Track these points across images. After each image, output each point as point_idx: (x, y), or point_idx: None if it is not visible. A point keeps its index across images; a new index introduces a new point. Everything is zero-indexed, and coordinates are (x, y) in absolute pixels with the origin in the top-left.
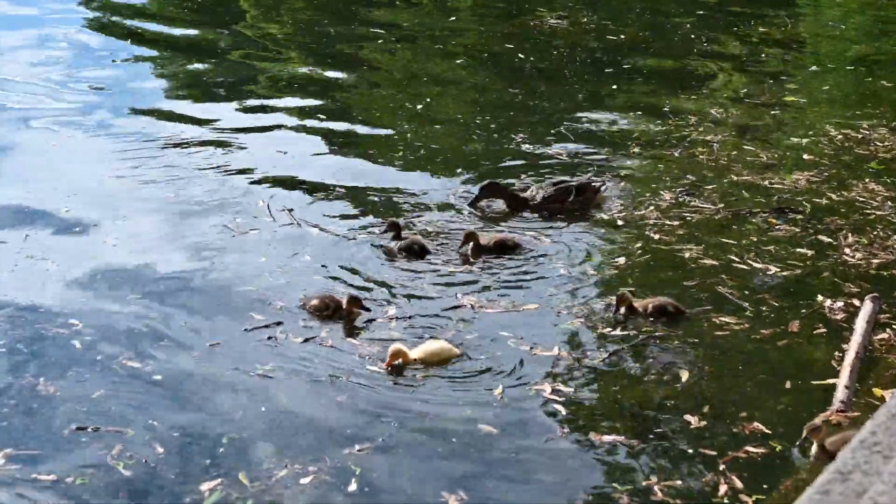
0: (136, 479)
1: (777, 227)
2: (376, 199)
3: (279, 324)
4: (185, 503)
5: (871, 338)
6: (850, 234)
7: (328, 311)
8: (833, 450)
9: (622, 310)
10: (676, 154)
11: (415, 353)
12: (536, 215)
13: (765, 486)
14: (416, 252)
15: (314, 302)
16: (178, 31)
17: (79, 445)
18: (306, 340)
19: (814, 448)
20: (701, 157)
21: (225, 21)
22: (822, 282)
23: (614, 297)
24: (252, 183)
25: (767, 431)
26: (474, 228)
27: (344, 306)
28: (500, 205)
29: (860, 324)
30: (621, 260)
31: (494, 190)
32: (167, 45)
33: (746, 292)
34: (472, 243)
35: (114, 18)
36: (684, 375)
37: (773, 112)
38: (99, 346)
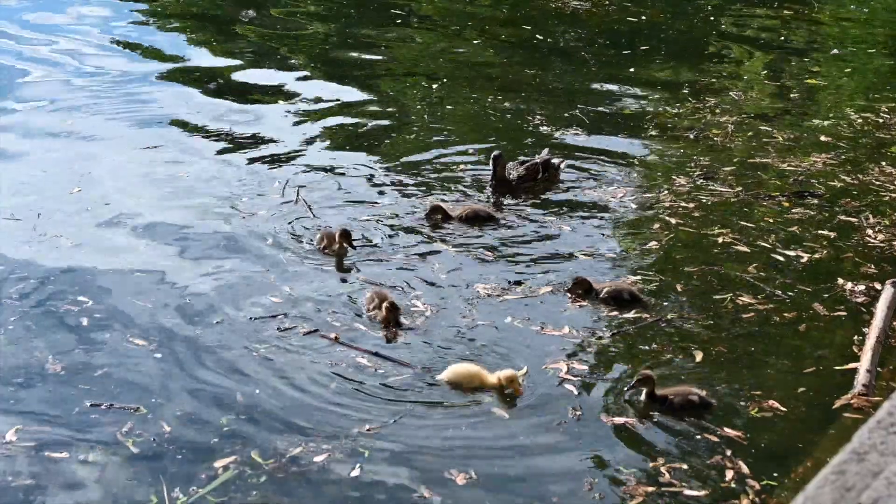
0: (151, 456)
1: (796, 209)
2: (391, 179)
3: (285, 315)
4: (201, 479)
5: (891, 322)
6: (870, 216)
7: (322, 244)
8: (662, 396)
9: (579, 291)
10: (692, 136)
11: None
12: (514, 195)
13: (775, 474)
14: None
15: (317, 236)
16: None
17: (91, 422)
18: (314, 331)
19: (643, 396)
20: (718, 139)
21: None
22: (843, 264)
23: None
24: (266, 162)
25: (783, 413)
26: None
27: (336, 240)
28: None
29: (881, 308)
30: (641, 243)
31: (502, 162)
32: (193, 19)
33: (766, 274)
34: (440, 215)
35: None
36: (699, 356)
37: (792, 95)
38: (107, 325)
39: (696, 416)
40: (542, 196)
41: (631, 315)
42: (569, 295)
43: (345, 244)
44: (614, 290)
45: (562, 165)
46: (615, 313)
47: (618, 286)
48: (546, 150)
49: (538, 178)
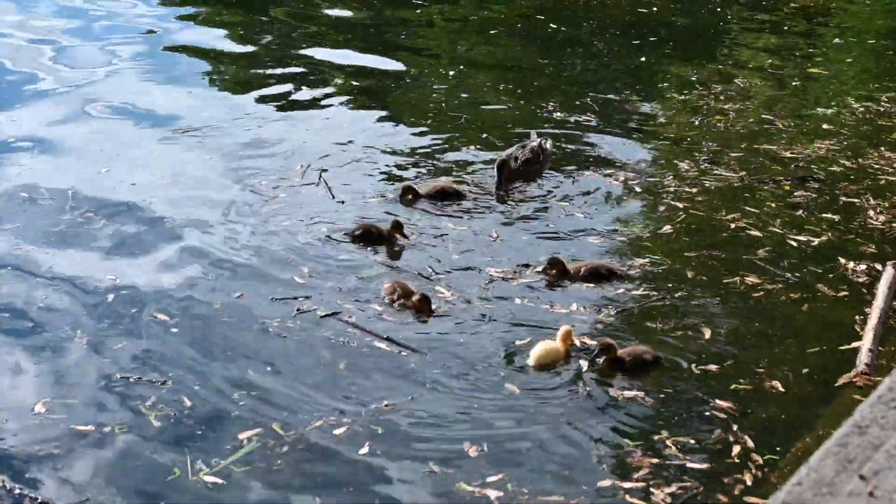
0: (174, 428)
1: (799, 193)
2: (406, 165)
3: (307, 297)
4: (226, 450)
5: (892, 303)
6: (871, 199)
7: (370, 237)
8: (625, 357)
9: (553, 272)
10: (698, 122)
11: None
12: (521, 181)
13: (778, 448)
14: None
15: (358, 232)
16: None
17: (117, 395)
18: (334, 313)
19: (603, 360)
20: (724, 125)
21: None
22: (846, 245)
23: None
24: (283, 150)
25: (785, 391)
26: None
27: (387, 231)
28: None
29: (882, 289)
30: (647, 226)
31: (503, 167)
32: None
33: (771, 255)
34: (410, 195)
35: None
36: (707, 333)
37: (795, 83)
38: (132, 300)
39: (648, 372)
40: (549, 180)
41: (638, 293)
42: (544, 276)
43: (396, 234)
44: (592, 268)
45: (545, 145)
46: (621, 291)
47: (594, 263)
48: (534, 133)
49: (541, 161)
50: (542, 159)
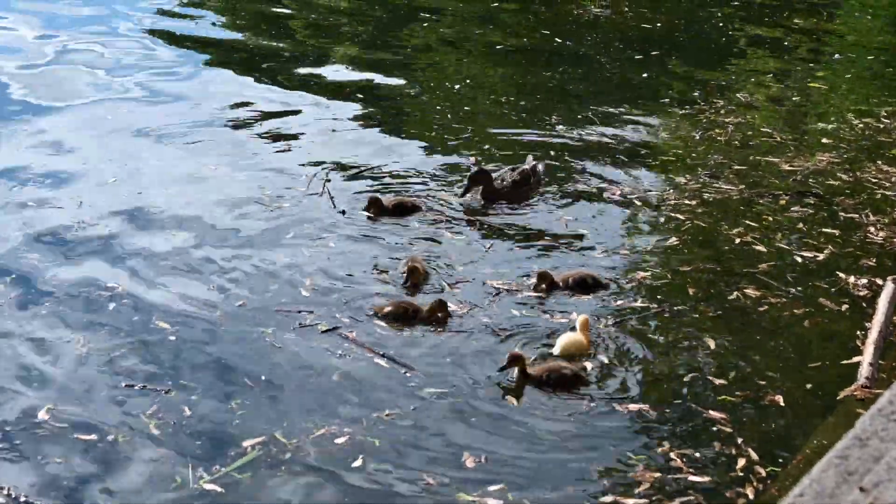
0: (176, 436)
1: (798, 208)
2: (407, 177)
3: (311, 312)
4: (227, 458)
5: (892, 317)
6: (870, 214)
7: (406, 315)
8: (535, 375)
9: (542, 286)
10: (699, 136)
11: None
12: (507, 202)
13: (780, 460)
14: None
15: (388, 308)
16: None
17: (120, 403)
18: (334, 328)
19: (515, 373)
20: (724, 140)
21: None
22: (847, 260)
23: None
24: (294, 160)
25: (787, 404)
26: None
27: (425, 310)
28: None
29: (882, 303)
30: (648, 239)
31: (482, 176)
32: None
33: (773, 269)
34: (374, 208)
35: None
36: (711, 344)
37: (795, 98)
38: (135, 308)
39: (570, 387)
40: (550, 194)
41: (638, 304)
42: (533, 291)
43: (439, 314)
44: (579, 278)
45: (539, 167)
46: (621, 303)
47: (580, 273)
48: (530, 157)
49: (531, 183)
50: (533, 181)
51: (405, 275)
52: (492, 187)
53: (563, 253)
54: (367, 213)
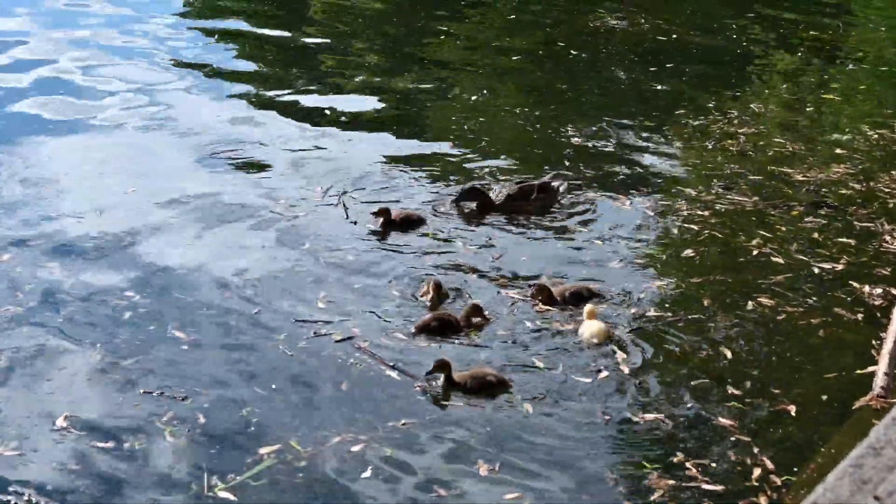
0: (191, 443)
1: (812, 218)
2: (426, 186)
3: (326, 322)
4: (240, 466)
5: None
6: (885, 224)
7: (444, 326)
8: (460, 381)
9: (540, 298)
10: (712, 147)
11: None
12: (501, 214)
13: (794, 469)
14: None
15: (434, 324)
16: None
17: (136, 410)
18: (349, 339)
19: (441, 380)
20: (738, 151)
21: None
22: (862, 269)
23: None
24: (310, 166)
25: (802, 413)
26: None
27: (461, 316)
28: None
29: None
30: (663, 250)
31: (475, 195)
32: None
33: (789, 279)
34: (382, 218)
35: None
36: (727, 353)
37: (810, 109)
38: (152, 317)
39: (493, 395)
40: (564, 203)
41: (653, 314)
42: (532, 305)
43: (474, 319)
44: (576, 290)
45: (561, 188)
46: (636, 311)
47: (576, 286)
48: (551, 175)
49: (531, 199)
50: (544, 198)
51: (426, 294)
52: (486, 199)
53: (578, 264)
54: (374, 217)
